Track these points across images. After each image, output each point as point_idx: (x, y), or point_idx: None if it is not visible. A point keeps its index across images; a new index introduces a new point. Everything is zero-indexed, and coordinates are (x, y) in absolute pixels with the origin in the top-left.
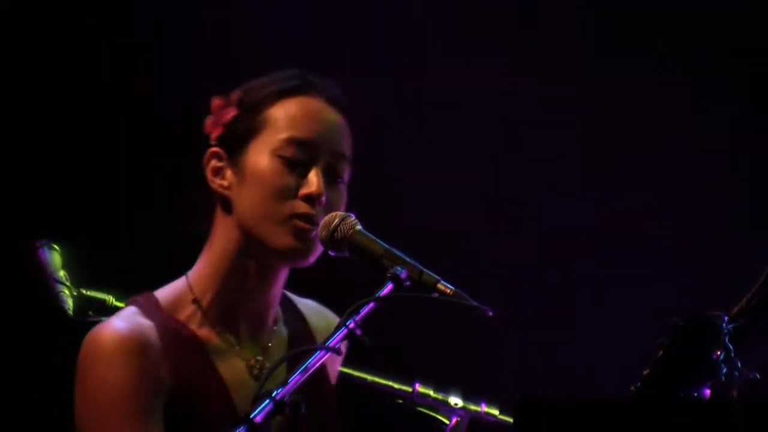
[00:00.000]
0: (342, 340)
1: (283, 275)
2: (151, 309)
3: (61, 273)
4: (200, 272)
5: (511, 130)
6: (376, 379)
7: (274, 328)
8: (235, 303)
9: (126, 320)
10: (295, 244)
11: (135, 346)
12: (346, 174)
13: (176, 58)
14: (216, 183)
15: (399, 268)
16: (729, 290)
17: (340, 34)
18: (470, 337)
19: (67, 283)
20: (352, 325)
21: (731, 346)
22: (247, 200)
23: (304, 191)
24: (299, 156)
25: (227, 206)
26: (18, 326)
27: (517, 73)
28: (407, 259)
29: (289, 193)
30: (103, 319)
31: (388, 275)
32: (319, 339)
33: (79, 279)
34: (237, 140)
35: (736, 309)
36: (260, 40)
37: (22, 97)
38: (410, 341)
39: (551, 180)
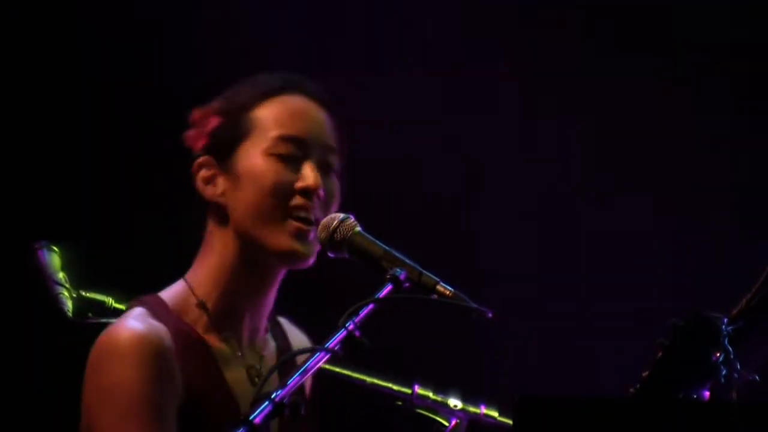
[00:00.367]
0: (341, 341)
1: (279, 279)
2: (161, 311)
3: (61, 274)
4: (201, 277)
5: (511, 130)
6: (375, 381)
7: (266, 336)
8: (237, 308)
9: (141, 321)
10: (295, 246)
11: (153, 348)
12: (337, 165)
13: (176, 58)
14: (209, 191)
15: (398, 270)
16: (729, 291)
17: (340, 34)
18: (469, 338)
19: (67, 285)
20: (351, 327)
21: (731, 348)
22: (243, 203)
23: (300, 185)
24: (291, 152)
25: (222, 213)
26: (17, 328)
27: (517, 73)
28: (406, 261)
29: (286, 189)
30: (102, 320)
31: (388, 277)
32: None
33: (78, 280)
34: (225, 146)
35: (735, 310)
36: (260, 40)
37: (22, 97)
38: (409, 343)
39: (551, 180)
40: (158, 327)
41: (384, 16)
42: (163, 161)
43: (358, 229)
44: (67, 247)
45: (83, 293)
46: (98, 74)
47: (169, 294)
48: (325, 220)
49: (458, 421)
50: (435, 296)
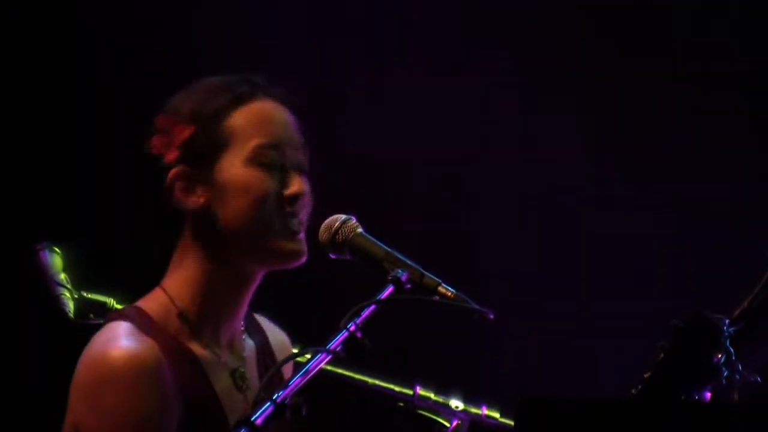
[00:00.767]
0: (343, 342)
1: (257, 283)
2: (146, 324)
3: (62, 275)
4: (180, 286)
5: (511, 130)
6: (377, 382)
7: (244, 337)
8: (217, 314)
9: (132, 339)
10: (291, 247)
11: (150, 368)
12: (307, 163)
13: (176, 58)
14: (190, 201)
15: (400, 271)
16: (729, 292)
17: (340, 34)
18: (471, 339)
19: (68, 286)
20: (352, 328)
21: (732, 349)
22: (232, 212)
23: (289, 192)
24: (271, 159)
25: (203, 222)
26: (19, 329)
27: (516, 73)
28: (408, 262)
29: (273, 196)
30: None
31: (389, 278)
32: (276, 348)
33: (80, 281)
34: (202, 157)
35: (736, 311)
36: (260, 40)
37: (22, 97)
38: (411, 344)
39: (551, 180)
40: (150, 344)
41: (384, 16)
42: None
43: (360, 230)
44: (68, 248)
45: (84, 294)
46: (98, 74)
47: (150, 305)
48: (326, 222)
49: (460, 422)
50: (437, 297)
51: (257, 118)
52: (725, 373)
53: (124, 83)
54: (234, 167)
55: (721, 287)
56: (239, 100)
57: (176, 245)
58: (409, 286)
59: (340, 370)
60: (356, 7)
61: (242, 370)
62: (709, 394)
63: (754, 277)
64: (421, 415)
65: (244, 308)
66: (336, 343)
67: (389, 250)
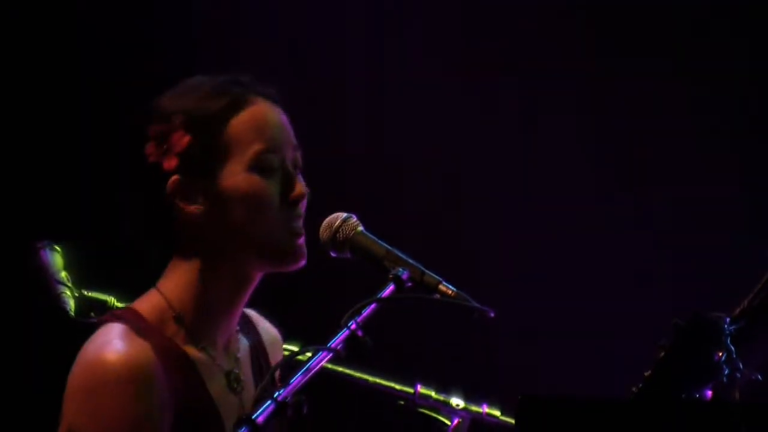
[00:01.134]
0: (343, 341)
1: (255, 284)
2: (141, 327)
3: (63, 274)
4: (177, 289)
5: (511, 130)
6: (378, 381)
7: (238, 336)
8: (214, 317)
9: (127, 342)
10: (295, 249)
11: (145, 374)
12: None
13: (176, 58)
14: (191, 208)
15: (401, 270)
16: (730, 291)
17: (340, 33)
18: (472, 338)
19: (69, 284)
20: (353, 326)
21: (733, 347)
22: (237, 218)
23: (293, 195)
24: (271, 163)
25: (204, 228)
26: (19, 327)
27: (516, 73)
28: (409, 261)
29: (276, 199)
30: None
31: (390, 276)
32: (268, 345)
33: (80, 280)
34: (202, 165)
35: (737, 310)
36: (260, 40)
37: (23, 97)
38: (412, 342)
39: (551, 180)
40: (145, 346)
41: (384, 16)
42: None
43: (361, 228)
44: (69, 247)
45: (85, 293)
46: (98, 74)
47: (146, 307)
48: (327, 220)
49: (460, 420)
50: (437, 296)
51: (255, 123)
52: (726, 372)
53: (124, 83)
54: (236, 174)
55: (721, 287)
56: (236, 105)
57: (174, 248)
58: (409, 284)
59: (341, 369)
60: (356, 7)
61: (236, 371)
62: (710, 393)
63: (754, 276)
64: (421, 413)
65: (240, 310)
66: (337, 341)
67: (390, 248)
